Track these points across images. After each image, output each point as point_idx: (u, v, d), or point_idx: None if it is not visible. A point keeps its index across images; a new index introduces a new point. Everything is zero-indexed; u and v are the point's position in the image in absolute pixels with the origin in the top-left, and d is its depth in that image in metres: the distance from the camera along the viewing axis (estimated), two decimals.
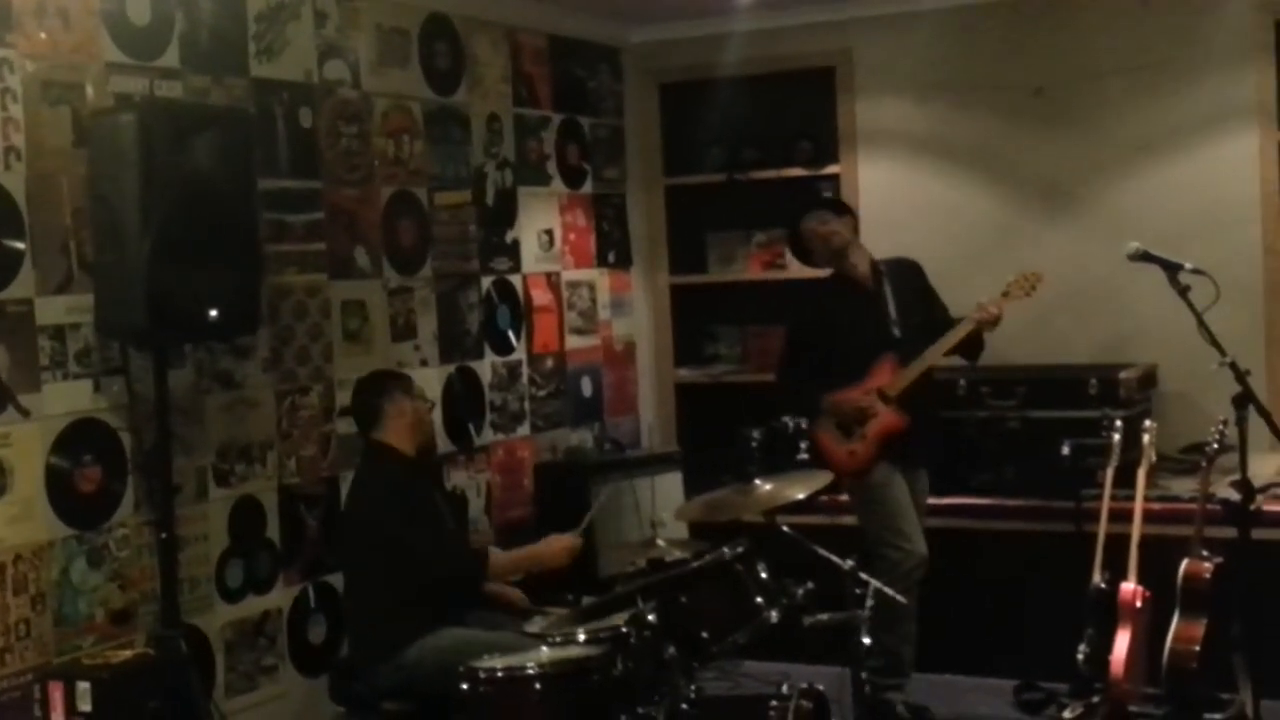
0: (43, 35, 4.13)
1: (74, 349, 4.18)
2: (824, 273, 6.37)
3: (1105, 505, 5.07)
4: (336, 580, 4.97)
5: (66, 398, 4.16)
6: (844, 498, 5.50)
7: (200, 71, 4.61)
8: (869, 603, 4.79)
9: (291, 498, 4.93)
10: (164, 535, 4.28)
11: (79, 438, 4.19)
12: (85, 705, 3.89)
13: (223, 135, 4.20)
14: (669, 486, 6.14)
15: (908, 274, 5.38)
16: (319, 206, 5.09)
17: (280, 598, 4.88)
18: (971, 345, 5.23)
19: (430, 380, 5.47)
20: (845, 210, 5.47)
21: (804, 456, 6.02)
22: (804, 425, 6.14)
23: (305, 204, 5.03)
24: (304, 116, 5.03)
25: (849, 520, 5.81)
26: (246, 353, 4.75)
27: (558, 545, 4.82)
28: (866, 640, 3.96)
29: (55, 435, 4.13)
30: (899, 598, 4.20)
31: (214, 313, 4.17)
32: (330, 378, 5.11)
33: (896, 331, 5.23)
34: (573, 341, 6.53)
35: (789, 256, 6.80)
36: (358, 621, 4.72)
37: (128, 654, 4.12)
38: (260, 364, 4.82)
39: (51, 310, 4.12)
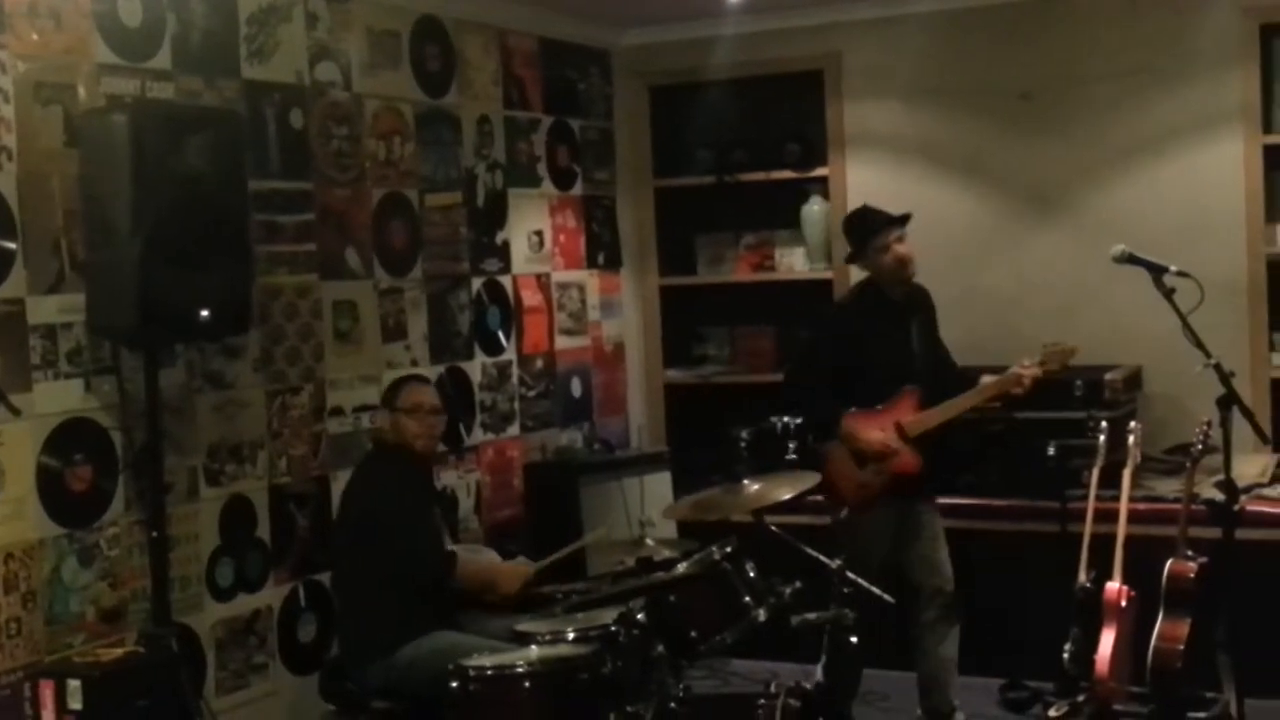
0: (35, 36, 4.14)
1: (65, 348, 4.20)
2: (815, 275, 6.41)
3: (1091, 506, 5.10)
4: (327, 579, 4.98)
5: (58, 397, 4.17)
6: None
7: (192, 73, 4.63)
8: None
9: (282, 497, 4.95)
10: (155, 534, 4.30)
11: (70, 437, 4.21)
12: (76, 703, 3.91)
13: (214, 136, 4.22)
14: (658, 486, 6.16)
15: (926, 304, 5.20)
16: (310, 207, 5.11)
17: (271, 596, 4.90)
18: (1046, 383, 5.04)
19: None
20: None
21: (792, 457, 6.05)
22: (793, 425, 6.19)
23: (296, 205, 5.05)
24: (295, 118, 5.05)
25: None
26: (237, 353, 4.77)
27: (515, 570, 4.80)
28: (854, 639, 3.99)
29: (46, 434, 4.15)
30: (885, 597, 4.21)
31: (205, 313, 4.19)
32: (321, 378, 5.13)
33: (918, 364, 5.06)
34: (562, 342, 6.55)
35: (777, 258, 6.86)
36: (349, 620, 4.72)
37: (118, 652, 4.14)
38: (251, 364, 4.84)
39: (43, 310, 4.14)
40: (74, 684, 3.91)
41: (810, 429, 5.34)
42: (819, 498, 5.08)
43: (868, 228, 5.05)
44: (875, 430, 4.93)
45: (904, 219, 5.05)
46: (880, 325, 5.02)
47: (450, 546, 4.84)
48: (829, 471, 4.98)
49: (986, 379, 5.02)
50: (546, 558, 4.90)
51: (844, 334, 5.05)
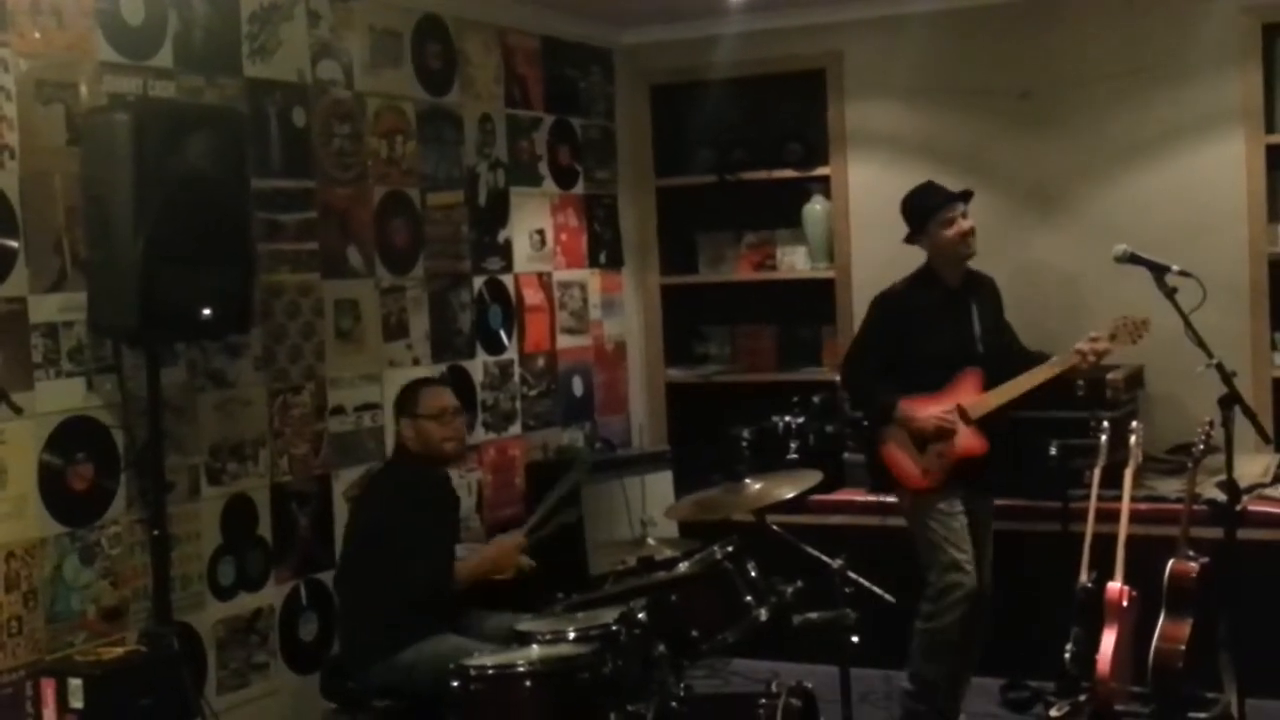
0: (37, 34, 4.14)
1: (67, 347, 4.20)
2: (817, 274, 6.41)
3: (1092, 505, 5.09)
4: (328, 578, 4.98)
5: (59, 395, 4.17)
6: (862, 497, 5.46)
7: (194, 71, 4.63)
8: (916, 624, 4.87)
9: (284, 496, 4.95)
10: (156, 533, 4.30)
11: (72, 435, 4.21)
12: (77, 702, 3.91)
13: (216, 135, 4.22)
14: (659, 485, 6.16)
15: (989, 290, 5.17)
16: (312, 206, 5.11)
17: (272, 595, 4.90)
18: (1059, 381, 5.03)
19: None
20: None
21: (794, 456, 6.05)
22: (795, 424, 6.19)
23: (298, 203, 5.05)
24: (297, 116, 5.05)
25: (837, 520, 5.88)
26: (239, 351, 4.77)
27: (507, 544, 4.79)
28: (855, 639, 3.99)
29: (48, 433, 4.15)
30: (887, 596, 4.21)
31: (206, 311, 4.19)
32: (322, 376, 5.13)
33: (980, 347, 5.02)
34: (564, 341, 6.55)
35: (779, 257, 6.86)
36: (351, 621, 4.72)
37: (120, 651, 4.14)
38: (253, 362, 4.84)
39: (44, 308, 4.14)
40: (75, 683, 3.91)
41: (868, 416, 5.27)
42: (887, 498, 5.16)
43: (931, 203, 5.01)
44: (932, 408, 4.90)
45: (967, 195, 5.05)
46: (937, 310, 4.98)
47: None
48: (887, 458, 5.01)
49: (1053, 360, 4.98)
50: (528, 522, 4.89)
51: (897, 319, 5.00)
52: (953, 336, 4.99)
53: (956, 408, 4.92)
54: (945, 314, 5.00)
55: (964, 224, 4.98)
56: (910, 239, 5.11)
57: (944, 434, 4.90)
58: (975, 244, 5.02)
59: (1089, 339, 4.91)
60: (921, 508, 4.97)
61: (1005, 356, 5.08)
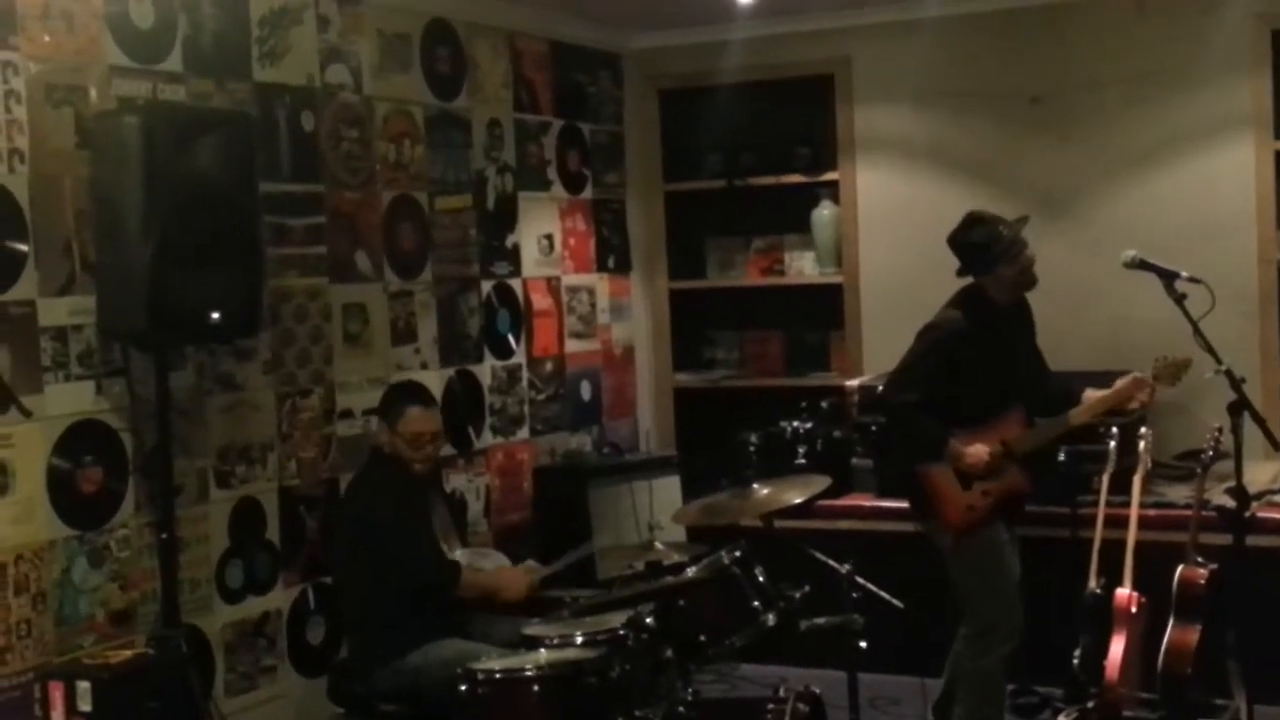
0: (46, 38, 4.15)
1: (76, 350, 4.21)
2: (825, 279, 6.38)
3: (1101, 511, 5.08)
4: (331, 579, 4.98)
5: (68, 399, 4.18)
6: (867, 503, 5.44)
7: (203, 75, 4.64)
8: (963, 662, 4.79)
9: (292, 499, 4.95)
10: (164, 536, 4.31)
11: (80, 438, 4.22)
12: (85, 705, 3.91)
13: (225, 138, 4.23)
14: (667, 490, 6.16)
15: (1027, 312, 4.97)
16: (320, 210, 5.11)
17: (280, 599, 4.90)
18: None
19: (430, 383, 5.49)
20: None
21: (801, 461, 6.05)
22: (803, 430, 6.18)
23: (307, 207, 5.05)
24: (306, 120, 5.06)
25: (845, 525, 5.87)
26: (247, 355, 4.78)
27: (517, 576, 4.81)
28: (863, 644, 3.98)
29: (57, 436, 4.16)
30: (895, 602, 4.19)
31: (215, 315, 4.20)
32: (331, 380, 5.13)
33: (1022, 378, 4.88)
34: (572, 345, 6.55)
35: (787, 262, 6.86)
36: (358, 625, 4.73)
37: (128, 654, 4.14)
38: (261, 366, 4.84)
39: (54, 312, 4.15)
40: (83, 685, 3.91)
41: (911, 450, 4.90)
42: (919, 527, 5.00)
43: (1003, 242, 4.74)
44: (979, 445, 4.75)
45: (1024, 221, 4.86)
46: (989, 339, 4.77)
47: (454, 555, 4.83)
48: (932, 494, 4.82)
49: (1091, 394, 4.86)
50: (552, 563, 4.90)
51: (954, 351, 4.73)
52: (1001, 367, 4.81)
53: (1002, 443, 4.79)
54: (995, 344, 4.79)
55: (1030, 255, 4.77)
56: (972, 271, 4.84)
57: (993, 472, 4.76)
58: (1034, 276, 4.81)
59: (1134, 378, 4.78)
60: (970, 545, 4.79)
61: (1039, 383, 4.99)
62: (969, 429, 4.77)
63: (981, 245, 4.79)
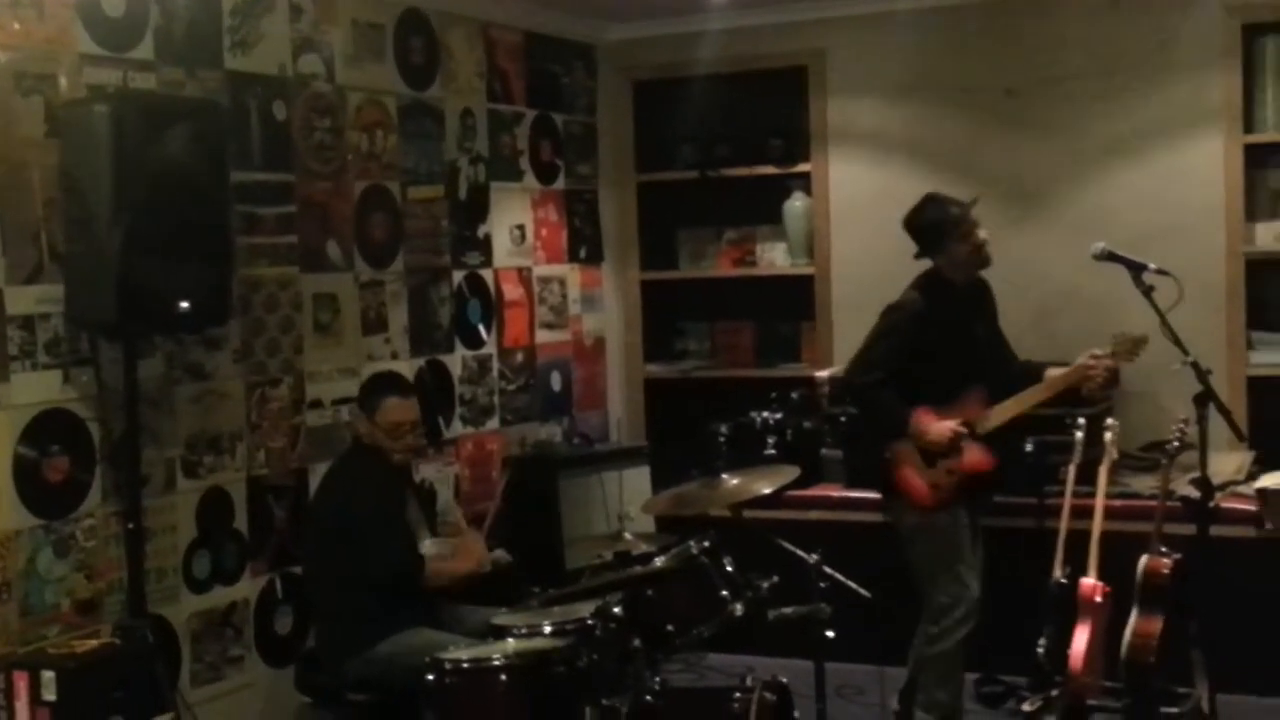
0: (16, 25, 4.13)
1: (43, 339, 4.19)
2: (797, 271, 6.39)
3: (1067, 502, 5.11)
4: (301, 567, 4.98)
5: (35, 388, 4.17)
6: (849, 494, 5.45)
7: (174, 64, 4.62)
8: (924, 650, 4.82)
9: (260, 489, 4.94)
10: (131, 526, 4.30)
11: (47, 428, 4.20)
12: (50, 694, 3.89)
13: (196, 127, 4.22)
14: (637, 480, 6.17)
15: (988, 294, 5.07)
16: (291, 199, 5.10)
17: (247, 589, 4.90)
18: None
19: (401, 373, 5.48)
20: None
21: (771, 452, 6.07)
22: (772, 420, 6.19)
23: (278, 197, 5.04)
24: (278, 109, 5.05)
25: (813, 515, 5.90)
26: (217, 344, 4.77)
27: (470, 554, 4.83)
28: (830, 634, 4.00)
29: (24, 425, 4.14)
30: (862, 592, 4.21)
31: (184, 304, 4.19)
32: (300, 370, 5.13)
33: (983, 358, 4.94)
34: (543, 336, 6.55)
35: (759, 253, 6.87)
36: (328, 614, 4.73)
37: (93, 644, 4.13)
38: (230, 356, 4.83)
39: (21, 300, 4.13)
40: (48, 675, 3.90)
41: (875, 430, 5.02)
42: (886, 516, 5.02)
43: (950, 218, 4.86)
44: (943, 423, 4.82)
45: (974, 202, 4.93)
46: (949, 319, 4.87)
47: (423, 546, 4.83)
48: (897, 473, 4.88)
49: (1053, 372, 4.91)
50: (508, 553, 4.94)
51: (913, 334, 4.82)
52: (961, 348, 4.89)
53: (965, 422, 4.83)
54: (954, 324, 4.88)
55: (981, 234, 4.87)
56: (926, 253, 4.95)
57: (955, 449, 4.82)
58: (989, 254, 4.91)
59: (1092, 355, 4.82)
60: (929, 524, 4.86)
61: (1001, 365, 5.03)
62: (931, 409, 4.82)
63: (932, 224, 4.89)
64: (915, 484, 4.87)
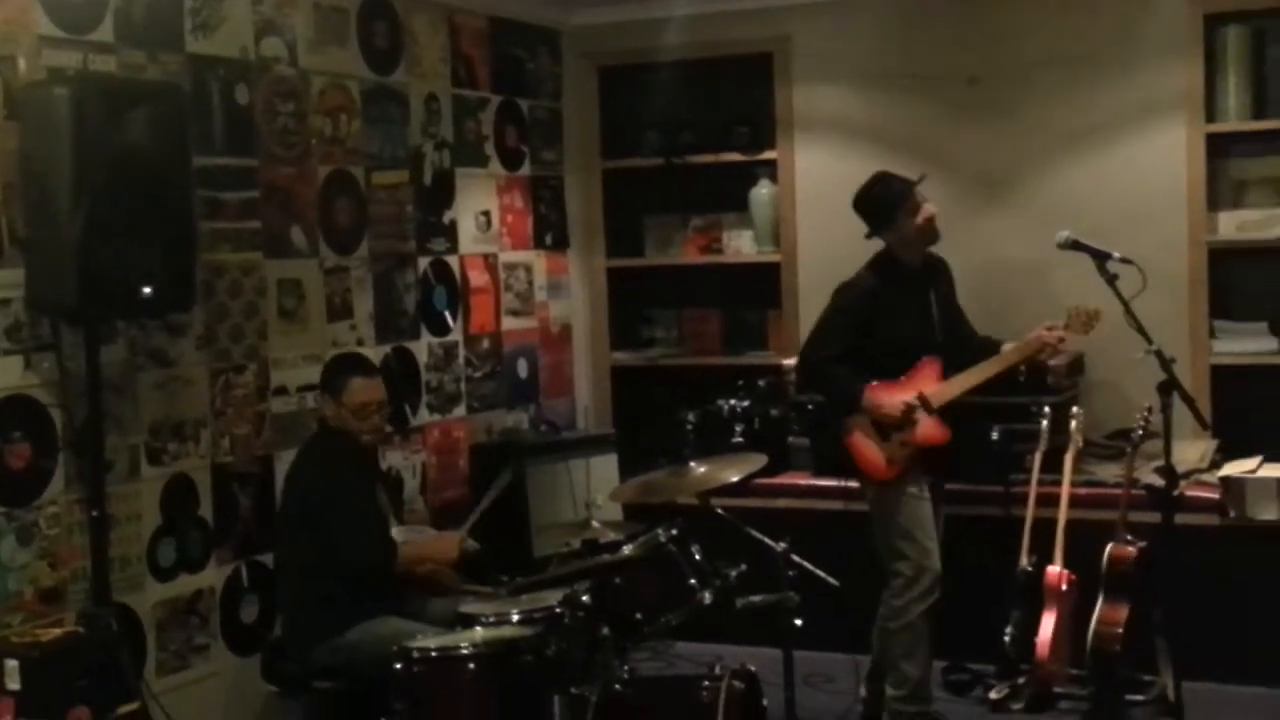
0: None
1: (4, 325, 4.14)
2: (763, 258, 6.39)
3: (1033, 490, 5.15)
4: (269, 559, 4.95)
5: None
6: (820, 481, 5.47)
7: (135, 46, 4.57)
8: (888, 625, 4.84)
9: (225, 476, 4.90)
10: (95, 513, 4.25)
11: (9, 414, 4.15)
12: (14, 683, 3.86)
13: (157, 111, 4.18)
14: (604, 468, 6.16)
15: (944, 272, 5.14)
16: (255, 184, 5.06)
17: (213, 577, 4.86)
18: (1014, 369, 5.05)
19: (363, 354, 5.45)
20: None
21: (739, 440, 6.07)
22: (740, 408, 6.19)
23: (241, 181, 5.00)
24: (240, 93, 5.00)
25: (781, 503, 5.91)
26: (180, 330, 4.72)
27: (446, 539, 4.84)
28: (799, 622, 4.00)
29: None
30: (830, 580, 4.21)
31: (147, 289, 4.14)
32: (265, 356, 5.08)
33: (939, 334, 4.99)
34: (509, 323, 6.53)
35: (725, 240, 6.86)
36: (294, 602, 4.70)
37: (57, 632, 4.09)
38: (194, 342, 4.79)
39: None
40: (12, 664, 3.87)
41: (831, 406, 5.11)
42: (850, 483, 5.07)
43: (895, 193, 4.95)
44: (896, 396, 4.87)
45: (921, 179, 5.00)
46: (901, 297, 4.94)
47: (392, 532, 4.81)
48: (852, 447, 4.94)
49: (1009, 346, 4.99)
50: (468, 520, 4.91)
51: (863, 308, 4.91)
52: (914, 325, 4.96)
53: (919, 396, 4.88)
54: (907, 302, 4.96)
55: (930, 209, 4.94)
56: (875, 232, 5.01)
57: (909, 422, 4.86)
58: (937, 231, 4.99)
59: (1046, 327, 4.91)
60: (888, 497, 4.91)
61: (960, 342, 5.08)
62: (885, 383, 4.88)
63: (878, 200, 4.97)
64: (870, 457, 4.91)
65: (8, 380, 4.15)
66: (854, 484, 5.09)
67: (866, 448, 4.92)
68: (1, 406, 4.13)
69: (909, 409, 4.84)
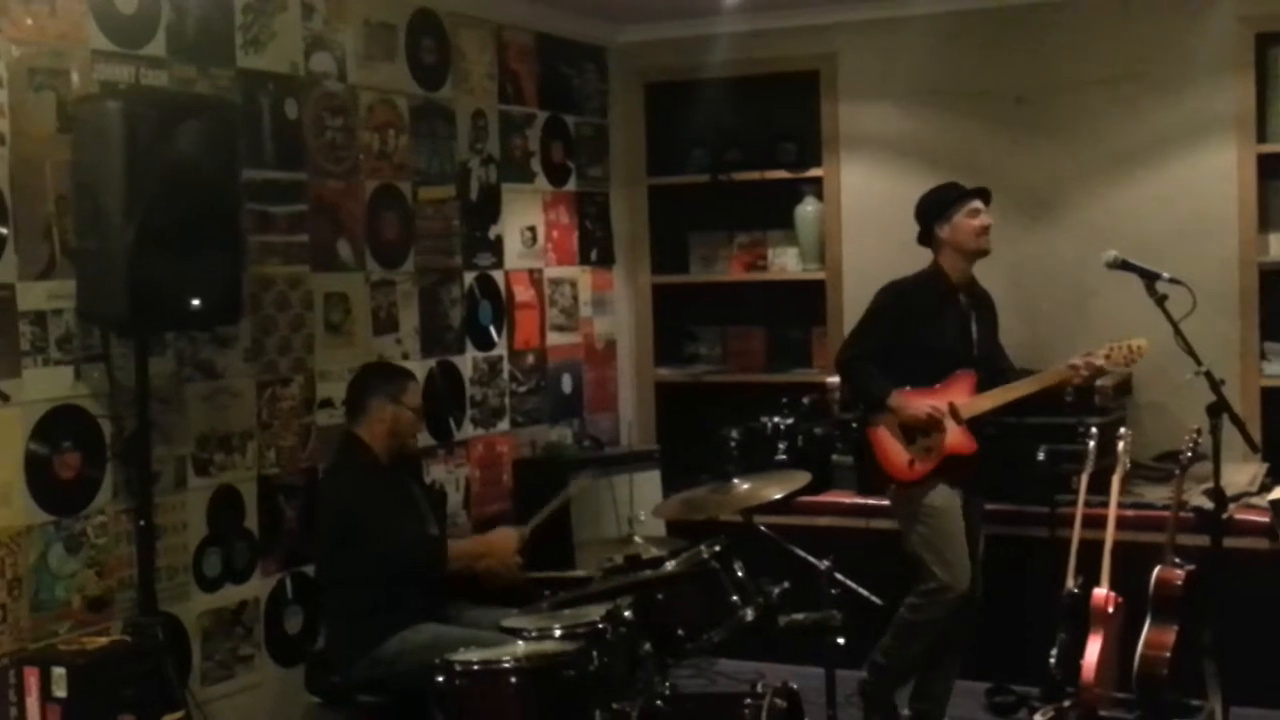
0: (29, 21, 4.12)
1: (55, 335, 4.18)
2: (808, 276, 6.38)
3: (1079, 511, 5.10)
4: (313, 571, 4.97)
5: (47, 384, 4.16)
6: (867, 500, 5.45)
7: (186, 61, 4.61)
8: (903, 612, 4.83)
9: (270, 488, 4.93)
10: (142, 523, 4.28)
11: (59, 424, 4.19)
12: (61, 691, 3.89)
13: (207, 125, 4.20)
14: (647, 484, 6.15)
15: (988, 305, 5.18)
16: (303, 198, 5.09)
17: (257, 587, 4.88)
18: (1049, 393, 5.05)
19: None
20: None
21: (782, 457, 6.05)
22: (784, 425, 6.18)
23: (289, 195, 5.03)
24: (289, 108, 5.04)
25: (824, 521, 5.88)
26: (228, 342, 4.75)
27: (504, 534, 4.89)
28: (841, 640, 3.98)
29: (35, 421, 4.13)
30: (874, 599, 4.20)
31: (196, 302, 4.18)
32: (311, 369, 5.11)
33: (976, 352, 5.03)
34: (554, 338, 6.54)
35: (770, 257, 6.86)
36: (335, 614, 4.72)
37: (104, 641, 4.13)
38: (241, 354, 4.82)
39: (33, 296, 4.12)
40: (59, 672, 3.90)
41: (860, 400, 5.23)
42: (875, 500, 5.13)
43: (949, 197, 5.04)
44: (925, 401, 4.90)
45: (986, 193, 5.07)
46: (941, 307, 4.99)
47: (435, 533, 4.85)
48: (875, 446, 4.99)
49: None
50: (533, 519, 4.96)
51: (903, 310, 4.98)
52: (952, 335, 4.99)
53: (949, 405, 4.90)
54: (948, 312, 5.00)
55: (985, 218, 5.00)
56: (925, 236, 5.08)
57: (934, 426, 4.88)
58: (988, 240, 5.02)
59: (1084, 355, 4.90)
60: (908, 503, 4.95)
61: (995, 375, 5.06)
62: (918, 390, 4.92)
63: (939, 197, 5.07)
64: (893, 454, 4.95)
65: (58, 390, 4.19)
66: (881, 501, 5.09)
67: (890, 447, 4.97)
68: (52, 416, 4.17)
69: (935, 412, 4.87)
